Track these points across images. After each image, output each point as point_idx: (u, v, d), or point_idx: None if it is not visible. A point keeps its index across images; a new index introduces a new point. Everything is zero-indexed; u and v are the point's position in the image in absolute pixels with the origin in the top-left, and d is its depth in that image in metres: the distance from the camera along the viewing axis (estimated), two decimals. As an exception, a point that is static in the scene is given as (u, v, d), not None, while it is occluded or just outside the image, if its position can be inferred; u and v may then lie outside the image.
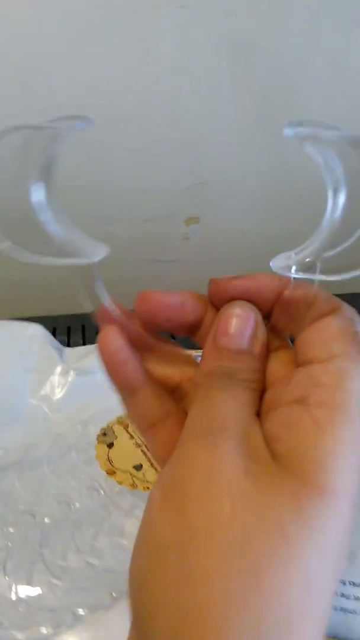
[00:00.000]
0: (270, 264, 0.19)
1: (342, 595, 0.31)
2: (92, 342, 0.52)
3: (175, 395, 0.20)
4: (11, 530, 0.33)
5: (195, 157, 0.71)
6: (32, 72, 0.59)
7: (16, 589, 0.30)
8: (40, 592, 0.30)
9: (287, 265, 0.18)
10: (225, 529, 0.14)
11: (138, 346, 0.20)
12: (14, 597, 0.30)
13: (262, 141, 0.71)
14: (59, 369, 0.44)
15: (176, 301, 0.20)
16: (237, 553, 0.14)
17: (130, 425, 0.39)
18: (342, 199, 0.17)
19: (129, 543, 0.33)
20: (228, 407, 0.17)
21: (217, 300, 0.20)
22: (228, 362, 0.18)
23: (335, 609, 0.31)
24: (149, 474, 0.35)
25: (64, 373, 0.44)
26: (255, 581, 0.13)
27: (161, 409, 0.20)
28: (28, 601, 0.30)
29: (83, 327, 0.55)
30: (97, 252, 0.19)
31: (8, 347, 0.45)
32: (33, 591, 0.30)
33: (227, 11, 0.61)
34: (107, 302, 0.20)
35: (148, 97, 0.65)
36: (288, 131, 0.16)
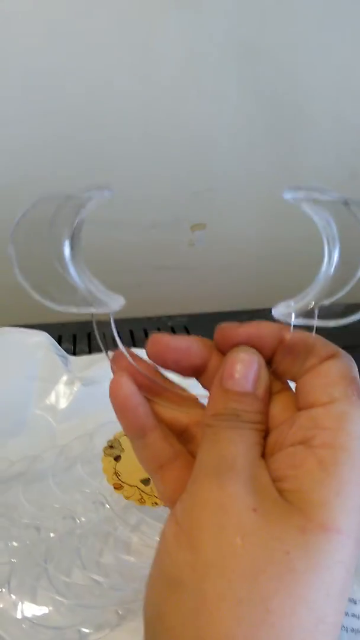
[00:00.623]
0: (272, 311, 0.20)
1: (353, 615, 0.30)
2: (98, 350, 0.52)
3: (183, 438, 0.22)
4: (15, 544, 0.32)
5: (202, 164, 0.71)
6: (39, 79, 0.59)
7: (21, 606, 0.29)
8: (44, 610, 0.29)
9: (287, 312, 0.20)
10: (237, 563, 0.15)
11: (148, 389, 0.21)
12: (18, 615, 0.29)
13: (268, 148, 0.71)
14: (64, 378, 0.43)
15: (183, 345, 0.21)
16: (248, 586, 0.15)
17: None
18: (336, 253, 0.18)
19: (135, 560, 0.32)
20: (237, 446, 0.18)
21: (223, 346, 0.21)
22: (234, 404, 0.19)
23: (346, 629, 0.30)
24: (156, 488, 0.34)
25: (70, 382, 0.43)
26: (265, 614, 0.14)
27: (170, 451, 0.21)
28: (32, 619, 0.29)
29: (89, 335, 0.55)
30: (115, 303, 0.21)
31: (12, 355, 0.44)
32: (38, 609, 0.29)
33: (235, 17, 0.61)
34: (121, 347, 0.22)
35: (154, 104, 0.64)
36: (287, 195, 0.18)
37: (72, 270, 0.20)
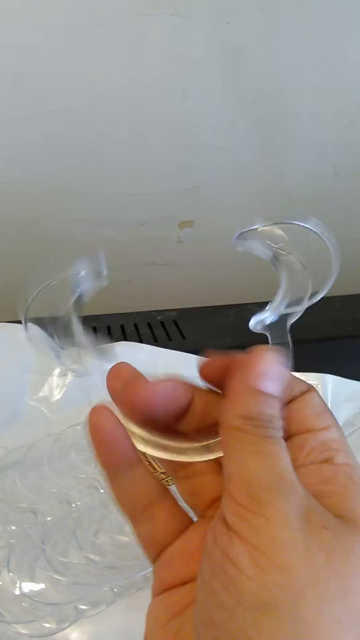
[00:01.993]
0: (249, 324, 0.22)
1: None
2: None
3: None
4: (13, 528, 0.34)
5: (189, 162, 0.72)
6: (28, 79, 0.60)
7: (20, 584, 0.31)
8: (43, 587, 0.31)
9: (257, 322, 0.22)
10: (327, 582, 0.15)
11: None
12: (17, 592, 0.30)
13: (254, 145, 0.73)
14: (57, 371, 0.44)
15: (168, 388, 0.21)
16: (343, 605, 0.15)
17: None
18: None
19: (129, 540, 0.33)
20: (286, 461, 0.17)
21: (212, 374, 0.21)
22: (267, 408, 0.18)
23: None
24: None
25: (62, 375, 0.45)
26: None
27: (158, 485, 0.21)
28: (31, 596, 0.30)
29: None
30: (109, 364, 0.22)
31: (7, 349, 0.45)
32: (36, 586, 0.31)
33: (220, 19, 0.62)
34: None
35: (141, 103, 0.66)
36: (236, 242, 0.20)
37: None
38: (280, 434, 0.18)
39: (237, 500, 0.16)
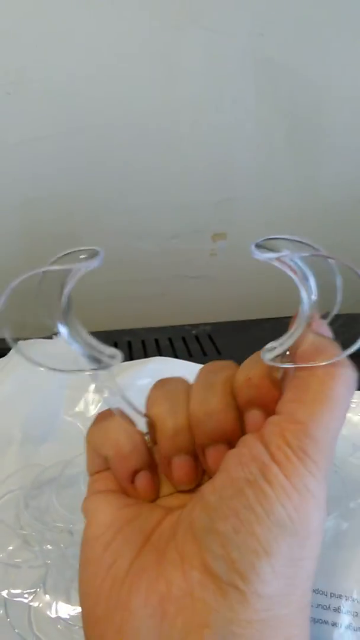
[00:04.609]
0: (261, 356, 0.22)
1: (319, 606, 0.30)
2: (124, 359, 0.53)
3: None
4: (49, 547, 0.33)
5: (222, 174, 0.72)
6: (64, 95, 0.61)
7: (56, 606, 0.30)
8: (79, 610, 0.30)
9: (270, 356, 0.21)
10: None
11: None
12: (53, 615, 0.30)
13: (288, 157, 0.72)
14: (92, 387, 0.44)
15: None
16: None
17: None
18: (313, 298, 0.20)
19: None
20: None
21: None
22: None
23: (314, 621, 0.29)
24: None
25: (98, 390, 0.44)
26: None
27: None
28: (67, 619, 0.30)
29: (115, 345, 0.56)
30: (113, 360, 0.22)
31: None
32: (72, 610, 0.30)
33: (254, 30, 0.62)
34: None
35: (175, 116, 0.66)
36: (257, 255, 0.19)
37: (74, 346, 0.21)
38: None
39: (289, 442, 0.18)
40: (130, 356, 0.54)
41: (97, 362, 0.22)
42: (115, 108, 0.63)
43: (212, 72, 0.64)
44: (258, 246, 0.19)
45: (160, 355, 0.54)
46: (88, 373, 0.22)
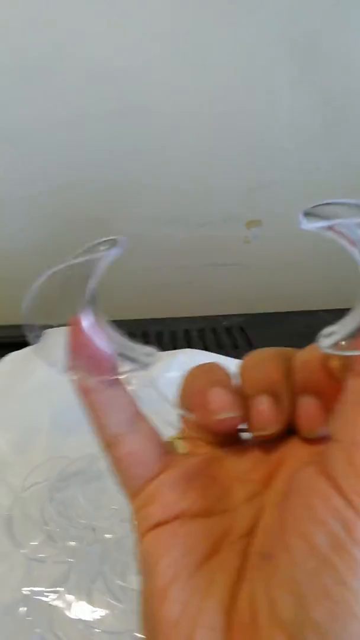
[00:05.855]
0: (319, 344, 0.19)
1: None
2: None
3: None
4: (72, 544, 0.33)
5: (258, 161, 0.69)
6: (101, 79, 0.59)
7: (77, 607, 0.29)
8: (100, 612, 0.30)
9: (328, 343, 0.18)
10: None
11: None
12: (73, 616, 0.29)
13: (325, 143, 0.69)
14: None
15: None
16: None
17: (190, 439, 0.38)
18: None
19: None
20: None
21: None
22: None
23: None
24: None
25: (127, 382, 0.44)
26: None
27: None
28: (87, 621, 0.29)
29: (145, 334, 0.55)
30: (148, 358, 0.21)
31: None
32: (93, 611, 0.30)
33: (290, 14, 0.59)
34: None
35: (209, 100, 0.63)
36: (305, 225, 0.16)
37: (97, 341, 0.19)
38: None
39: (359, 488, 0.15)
40: (159, 346, 0.53)
41: (132, 362, 0.21)
42: (150, 94, 0.61)
43: (246, 57, 0.61)
44: (308, 214, 0.17)
45: (190, 346, 0.52)
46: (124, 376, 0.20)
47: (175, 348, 0.53)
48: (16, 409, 0.41)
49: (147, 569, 0.18)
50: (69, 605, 0.30)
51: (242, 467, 0.20)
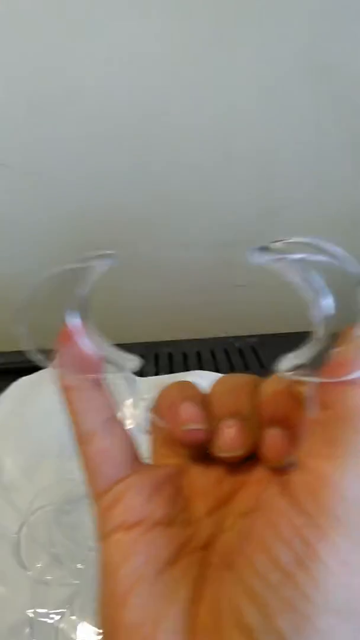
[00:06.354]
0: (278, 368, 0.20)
1: None
2: (165, 372, 0.52)
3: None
4: (80, 567, 0.33)
5: (271, 182, 0.70)
6: (115, 108, 0.61)
7: (81, 628, 0.30)
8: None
9: (288, 367, 0.19)
10: None
11: None
12: (77, 638, 0.30)
13: (344, 165, 0.69)
14: (129, 401, 0.44)
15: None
16: None
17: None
18: (329, 302, 0.18)
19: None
20: None
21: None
22: None
23: None
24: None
25: (135, 405, 0.44)
26: None
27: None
28: (92, 644, 0.29)
29: (156, 356, 0.56)
30: (131, 364, 0.22)
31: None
32: (97, 632, 0.30)
33: (306, 36, 0.60)
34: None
35: (222, 125, 0.65)
36: (253, 258, 0.17)
37: (84, 342, 0.20)
38: None
39: (328, 511, 0.16)
40: (170, 368, 0.53)
41: (115, 365, 0.22)
42: (162, 121, 0.63)
43: (264, 78, 0.62)
44: (261, 249, 0.18)
45: (201, 368, 0.53)
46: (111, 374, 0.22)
47: (187, 370, 0.53)
48: (25, 434, 0.42)
49: (106, 574, 0.19)
50: (74, 626, 0.30)
51: (206, 482, 0.21)
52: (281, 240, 0.18)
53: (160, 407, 0.22)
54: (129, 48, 0.59)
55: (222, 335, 0.61)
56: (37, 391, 0.44)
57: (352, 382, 0.17)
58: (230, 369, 0.53)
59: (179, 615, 0.17)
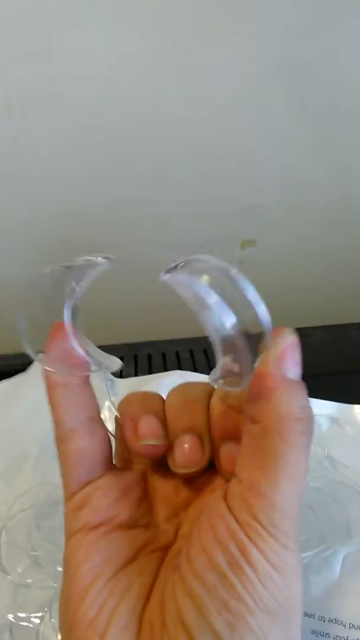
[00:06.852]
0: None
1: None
2: (144, 372, 0.53)
3: None
4: (60, 569, 0.33)
5: (250, 182, 0.71)
6: (91, 106, 0.62)
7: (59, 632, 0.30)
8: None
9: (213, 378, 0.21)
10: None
11: None
12: (59, 640, 0.30)
13: (320, 162, 0.70)
14: (106, 404, 0.44)
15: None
16: None
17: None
18: (221, 316, 0.19)
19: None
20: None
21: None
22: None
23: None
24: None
25: (114, 407, 0.44)
26: None
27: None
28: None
29: (135, 357, 0.56)
30: (113, 364, 0.23)
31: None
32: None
33: (281, 38, 0.61)
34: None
35: (203, 124, 0.65)
36: (162, 276, 0.19)
37: (74, 341, 0.21)
38: None
39: (260, 519, 0.17)
40: (149, 369, 0.54)
41: (98, 365, 0.22)
42: (144, 121, 0.63)
43: (242, 80, 0.63)
44: (173, 268, 0.19)
45: (181, 368, 0.53)
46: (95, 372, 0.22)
47: (166, 370, 0.53)
48: (4, 438, 0.42)
49: (69, 571, 0.20)
50: (55, 629, 0.30)
51: (166, 489, 0.22)
52: (185, 260, 0.20)
53: (122, 417, 0.23)
54: (110, 48, 0.59)
55: (201, 335, 0.61)
56: (17, 395, 0.44)
57: (274, 393, 0.18)
58: (209, 368, 0.54)
59: (130, 612, 0.18)
